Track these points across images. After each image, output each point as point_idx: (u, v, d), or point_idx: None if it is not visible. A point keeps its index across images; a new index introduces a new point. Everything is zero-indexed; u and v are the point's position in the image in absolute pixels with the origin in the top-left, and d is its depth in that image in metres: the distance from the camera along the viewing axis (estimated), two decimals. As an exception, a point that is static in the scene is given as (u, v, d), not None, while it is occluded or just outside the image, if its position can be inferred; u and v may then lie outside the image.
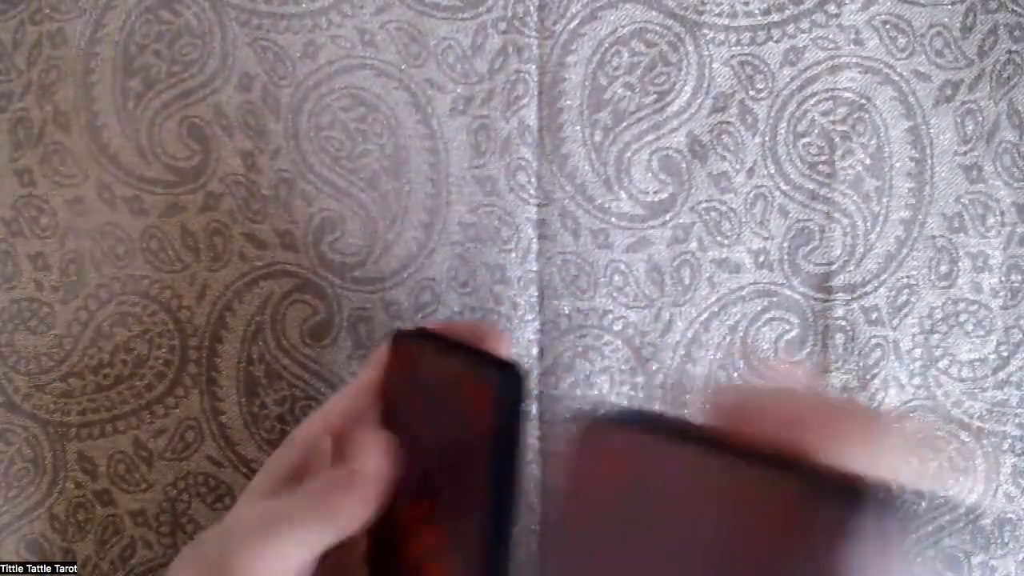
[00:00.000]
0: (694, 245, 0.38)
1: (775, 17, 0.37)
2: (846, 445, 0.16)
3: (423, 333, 0.29)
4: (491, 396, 0.24)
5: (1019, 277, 0.38)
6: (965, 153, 0.38)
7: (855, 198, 0.38)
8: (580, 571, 0.19)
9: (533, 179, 0.37)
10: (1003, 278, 0.38)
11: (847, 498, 0.14)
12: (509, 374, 0.24)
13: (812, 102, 0.38)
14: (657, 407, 0.38)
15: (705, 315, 0.38)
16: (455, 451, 0.26)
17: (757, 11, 0.37)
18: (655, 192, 0.38)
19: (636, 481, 0.18)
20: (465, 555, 0.24)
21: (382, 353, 0.30)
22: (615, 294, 0.38)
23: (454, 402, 0.26)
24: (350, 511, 0.24)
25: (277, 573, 0.23)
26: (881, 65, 0.37)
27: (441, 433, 0.27)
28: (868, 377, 0.38)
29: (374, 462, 0.26)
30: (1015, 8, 0.37)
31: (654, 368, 0.38)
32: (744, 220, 0.38)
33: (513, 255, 0.37)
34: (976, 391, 0.38)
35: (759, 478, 0.16)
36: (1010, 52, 0.38)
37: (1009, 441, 0.38)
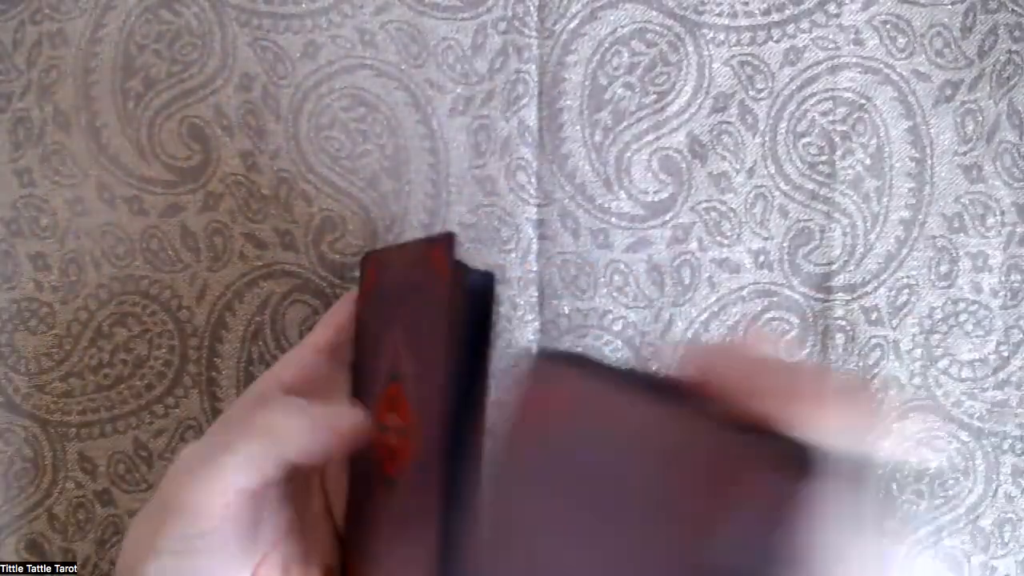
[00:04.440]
0: (694, 245, 0.38)
1: (775, 17, 0.37)
2: (809, 416, 0.16)
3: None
4: (445, 265, 0.25)
5: (1019, 277, 0.38)
6: (965, 153, 0.38)
7: (855, 198, 0.38)
8: (520, 508, 0.19)
9: (533, 179, 0.37)
10: (1003, 278, 0.38)
11: (796, 465, 0.14)
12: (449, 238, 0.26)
13: (812, 102, 0.38)
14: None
15: (705, 315, 0.38)
16: (418, 331, 0.26)
17: (757, 11, 0.37)
18: (655, 192, 0.38)
19: (582, 425, 0.18)
20: (426, 433, 0.24)
21: (335, 313, 0.30)
22: (615, 294, 0.38)
23: (415, 289, 0.27)
24: (292, 433, 0.23)
25: (215, 501, 0.22)
26: (881, 65, 0.37)
27: (407, 321, 0.27)
28: (868, 377, 0.38)
29: (335, 407, 0.25)
30: (1015, 8, 0.37)
31: (654, 368, 0.38)
32: (744, 220, 0.38)
33: (513, 255, 0.37)
34: (976, 391, 0.38)
35: (708, 433, 0.16)
36: (1010, 52, 0.38)
37: (1009, 441, 0.38)
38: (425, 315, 0.26)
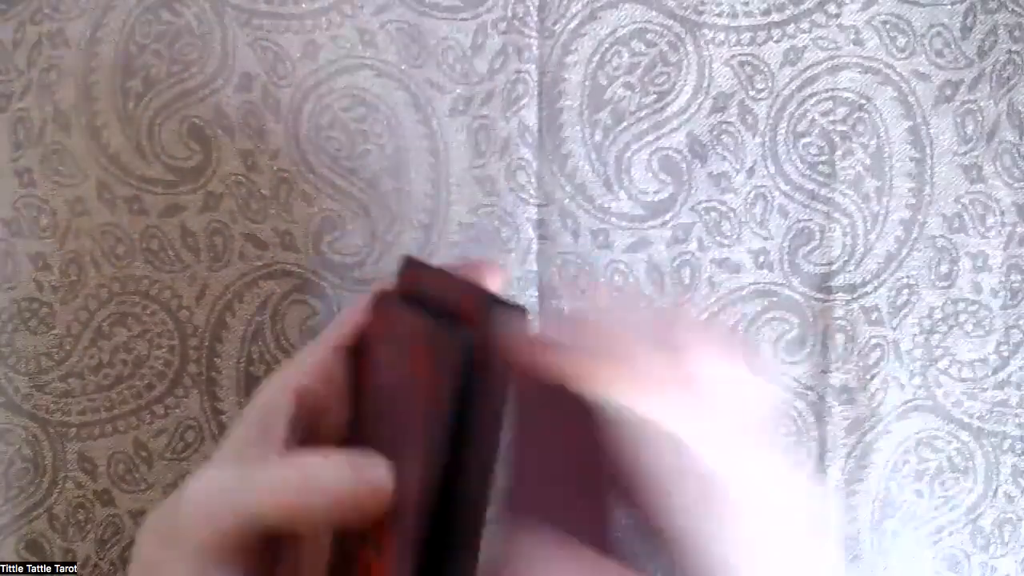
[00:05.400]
0: (694, 245, 0.38)
1: (775, 17, 0.37)
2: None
3: (413, 277, 0.27)
4: (432, 360, 0.22)
5: (1019, 277, 0.38)
6: (965, 153, 0.38)
7: (855, 198, 0.38)
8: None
9: (533, 179, 0.37)
10: (1003, 278, 0.38)
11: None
12: (461, 335, 0.22)
13: (812, 102, 0.38)
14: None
15: (705, 315, 0.38)
16: (398, 424, 0.23)
17: (757, 11, 0.37)
18: (655, 192, 0.38)
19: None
20: (401, 541, 0.22)
21: (356, 310, 0.28)
22: (615, 294, 0.38)
23: (404, 368, 0.24)
24: (310, 505, 0.22)
25: (231, 543, 0.22)
26: (881, 65, 0.37)
27: (393, 402, 0.24)
28: (868, 377, 0.38)
29: (362, 472, 0.23)
30: (1015, 8, 0.37)
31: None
32: (744, 220, 0.38)
33: (513, 255, 0.37)
34: (976, 391, 0.38)
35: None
36: (1010, 52, 0.38)
37: (1009, 441, 0.38)
38: (405, 423, 0.23)
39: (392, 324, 0.26)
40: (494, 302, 0.23)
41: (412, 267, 0.28)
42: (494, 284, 0.27)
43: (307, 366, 0.27)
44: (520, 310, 0.23)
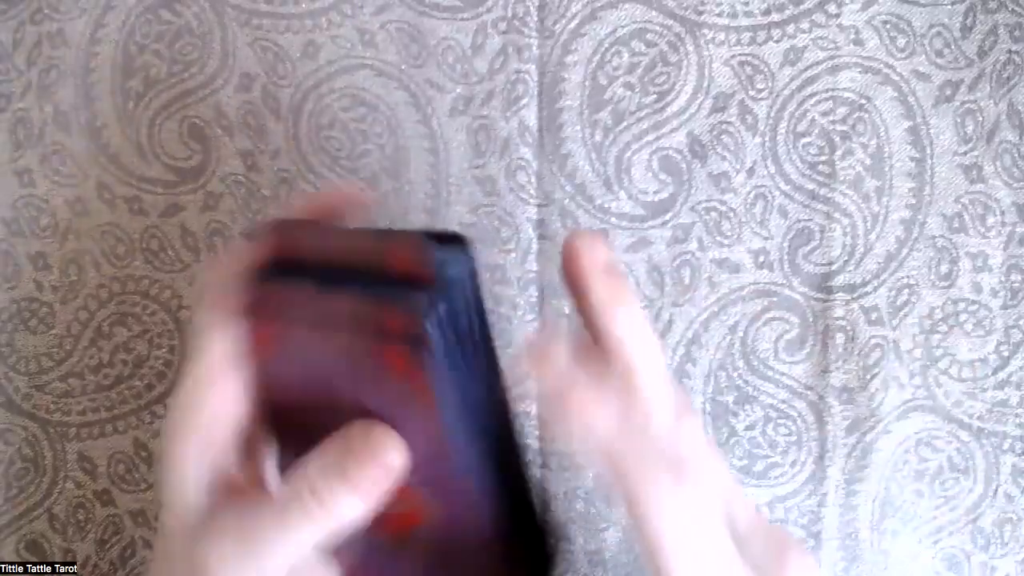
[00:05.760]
0: (694, 245, 0.38)
1: (775, 17, 0.37)
2: None
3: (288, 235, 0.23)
4: (414, 357, 0.19)
5: (1019, 277, 0.38)
6: (965, 153, 0.38)
7: (855, 198, 0.38)
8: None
9: (533, 179, 0.37)
10: (1003, 278, 0.38)
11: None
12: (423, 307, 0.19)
13: (812, 102, 0.38)
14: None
15: (705, 315, 0.38)
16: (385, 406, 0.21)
17: (757, 11, 0.37)
18: (655, 192, 0.38)
19: None
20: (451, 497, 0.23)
21: (221, 298, 0.22)
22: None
23: (359, 360, 0.21)
24: (350, 509, 0.21)
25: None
26: (881, 65, 0.37)
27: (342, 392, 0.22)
28: (868, 377, 0.38)
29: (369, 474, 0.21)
30: (1015, 8, 0.37)
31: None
32: (744, 220, 0.38)
33: (513, 255, 0.37)
34: (976, 391, 0.38)
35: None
36: (1010, 52, 0.38)
37: (1009, 441, 0.38)
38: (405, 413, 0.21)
39: (298, 312, 0.22)
40: (434, 244, 0.20)
41: (283, 230, 0.23)
42: (364, 206, 0.25)
43: (206, 417, 0.22)
44: (459, 238, 0.21)
